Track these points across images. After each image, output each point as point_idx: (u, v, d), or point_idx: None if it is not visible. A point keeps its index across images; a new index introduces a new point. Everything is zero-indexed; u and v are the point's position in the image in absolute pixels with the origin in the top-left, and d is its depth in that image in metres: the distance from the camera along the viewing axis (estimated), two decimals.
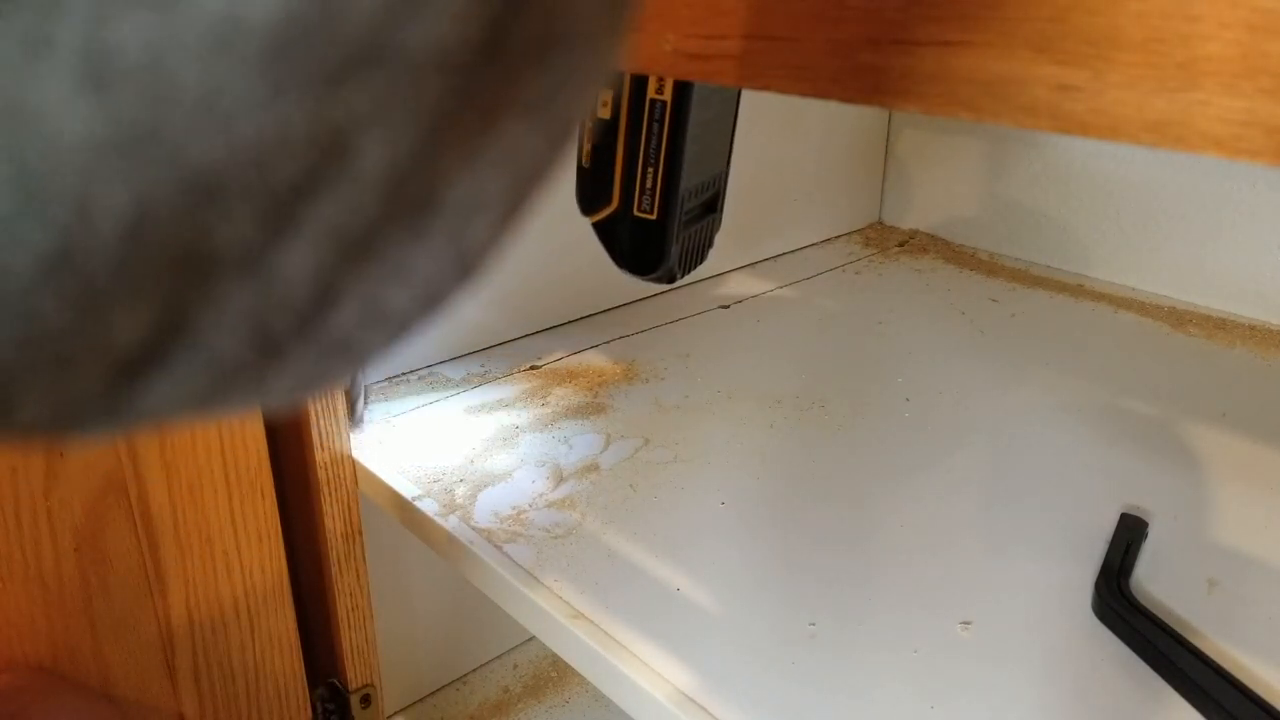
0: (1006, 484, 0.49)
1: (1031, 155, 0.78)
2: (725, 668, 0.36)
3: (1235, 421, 0.54)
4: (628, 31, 0.14)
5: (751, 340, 0.65)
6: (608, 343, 0.64)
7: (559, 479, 0.48)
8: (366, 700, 0.57)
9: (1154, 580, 0.41)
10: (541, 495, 0.47)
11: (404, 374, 0.59)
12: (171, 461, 0.45)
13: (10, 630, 0.42)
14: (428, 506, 0.46)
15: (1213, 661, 0.35)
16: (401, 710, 0.65)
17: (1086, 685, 0.36)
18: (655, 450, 0.51)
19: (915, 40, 0.20)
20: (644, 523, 0.45)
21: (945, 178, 0.85)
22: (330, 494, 0.51)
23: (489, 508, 0.46)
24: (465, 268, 0.14)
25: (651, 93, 0.40)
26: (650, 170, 0.41)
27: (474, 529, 0.44)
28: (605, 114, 0.41)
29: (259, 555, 0.50)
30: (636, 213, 0.42)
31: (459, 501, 0.46)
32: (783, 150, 0.78)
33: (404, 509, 0.47)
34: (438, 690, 0.67)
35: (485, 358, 0.61)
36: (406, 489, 0.47)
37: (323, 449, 0.49)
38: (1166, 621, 0.38)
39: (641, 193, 0.42)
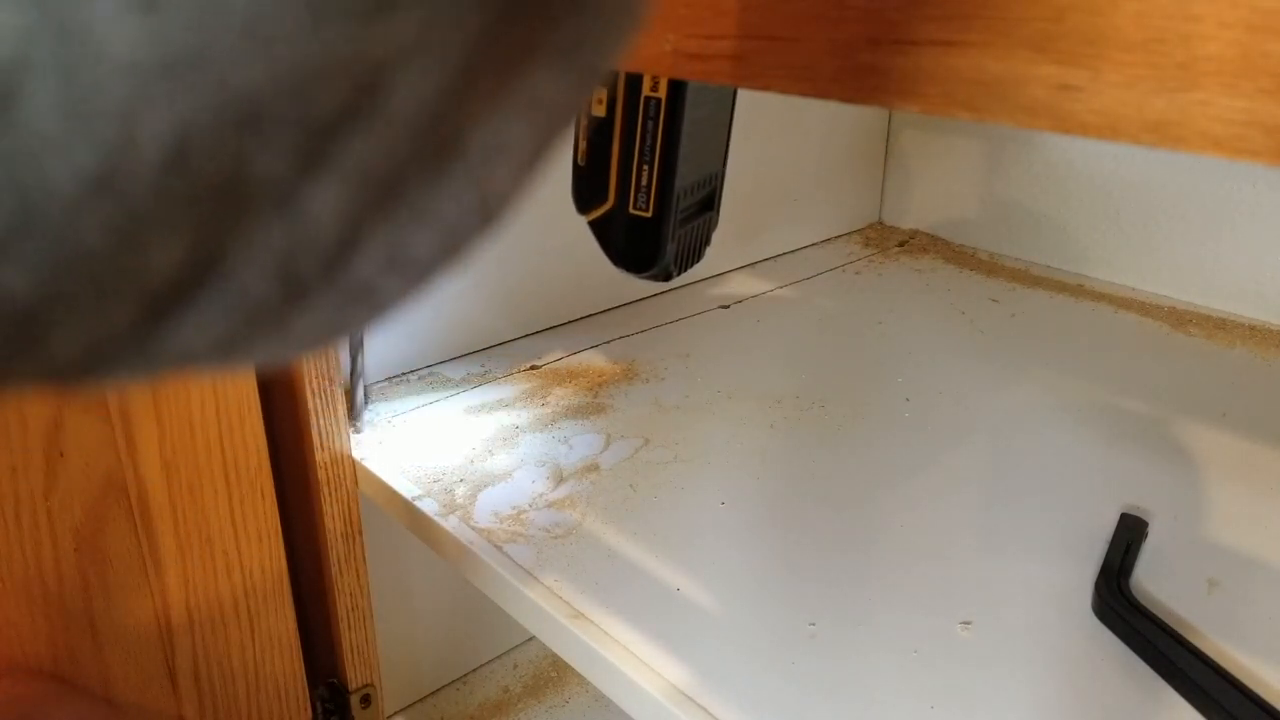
0: (1006, 484, 0.49)
1: (1031, 155, 0.78)
2: (725, 668, 0.36)
3: (1235, 421, 0.54)
4: None
5: (751, 340, 0.65)
6: (608, 343, 0.64)
7: (559, 479, 0.48)
8: (366, 700, 0.57)
9: (1154, 580, 0.41)
10: (541, 495, 0.47)
11: (404, 374, 0.59)
12: (171, 461, 0.45)
13: (10, 631, 0.42)
14: (428, 506, 0.46)
15: (1213, 661, 0.35)
16: (401, 710, 0.65)
17: (1086, 685, 0.36)
18: (655, 450, 0.51)
19: (915, 40, 0.20)
20: (644, 523, 0.45)
21: (945, 178, 0.85)
22: (330, 494, 0.51)
23: (489, 508, 0.46)
24: (486, 214, 0.14)
25: (646, 90, 0.40)
26: (645, 168, 0.41)
27: (474, 529, 0.44)
28: (600, 112, 0.41)
29: (259, 555, 0.50)
30: (632, 210, 0.42)
31: (459, 501, 0.46)
32: (783, 150, 0.78)
33: (404, 509, 0.47)
34: (438, 690, 0.67)
35: (485, 358, 0.61)
36: (406, 489, 0.47)
37: (323, 449, 0.49)
38: (1166, 621, 0.38)
39: (637, 190, 0.42)
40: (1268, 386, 0.59)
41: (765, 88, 0.23)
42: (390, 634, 0.61)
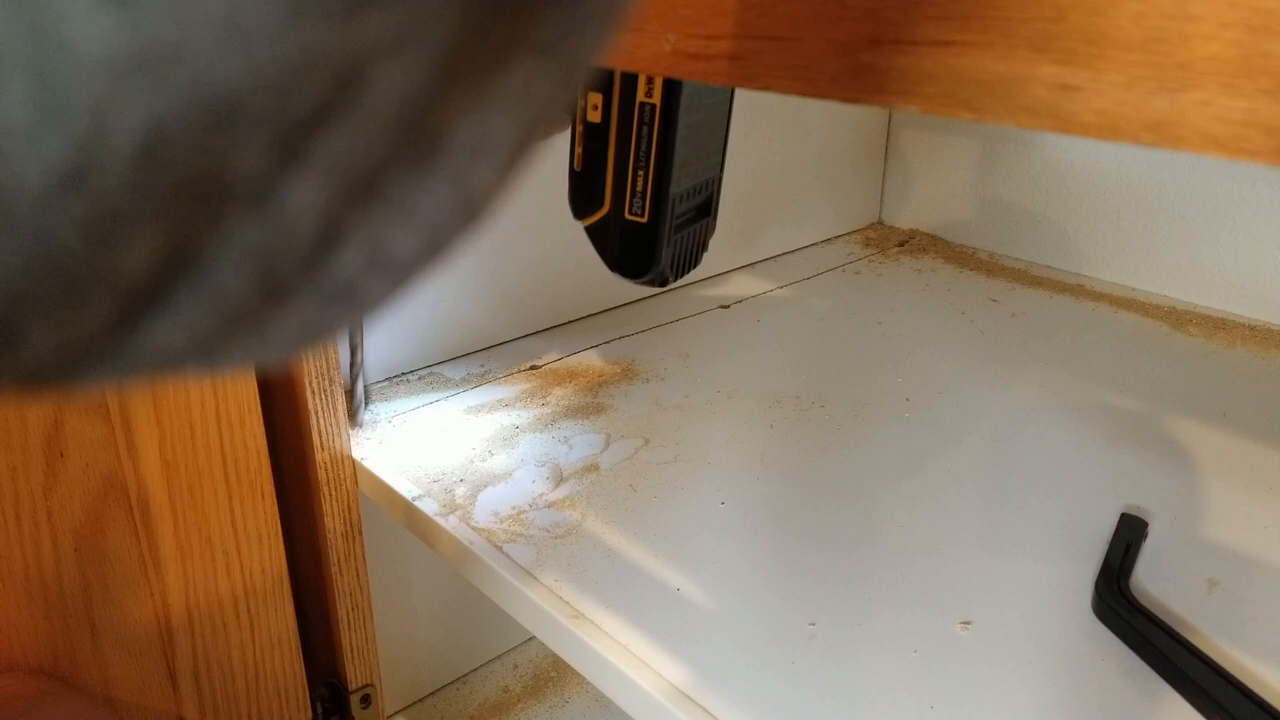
0: (1006, 484, 0.49)
1: (1031, 155, 0.78)
2: (725, 667, 0.36)
3: (1235, 421, 0.54)
4: None
5: (751, 340, 0.65)
6: (607, 343, 0.64)
7: (559, 479, 0.48)
8: (366, 700, 0.57)
9: (1154, 580, 0.41)
10: (541, 495, 0.47)
11: (404, 374, 0.59)
12: (171, 461, 0.45)
13: (10, 630, 0.42)
14: (428, 506, 0.46)
15: (1213, 661, 0.35)
16: (401, 710, 0.65)
17: (1086, 685, 0.36)
18: (655, 450, 0.51)
19: (915, 40, 0.20)
20: (644, 523, 0.45)
21: (945, 178, 0.85)
22: (330, 494, 0.51)
23: (489, 508, 0.46)
24: (469, 212, 0.14)
25: (641, 96, 0.40)
26: (640, 173, 0.41)
27: (474, 529, 0.44)
28: (596, 118, 0.42)
29: (259, 555, 0.50)
30: (628, 216, 0.42)
31: (459, 501, 0.46)
32: (783, 150, 0.78)
33: (404, 509, 0.47)
34: (438, 690, 0.67)
35: (485, 358, 0.61)
36: (406, 489, 0.47)
37: (323, 449, 0.49)
38: (1166, 621, 0.38)
39: (632, 196, 0.42)
40: (1268, 386, 0.59)
41: (765, 88, 0.23)
42: (390, 634, 0.61)
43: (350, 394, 0.52)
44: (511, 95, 0.13)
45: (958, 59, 0.19)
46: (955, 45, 0.19)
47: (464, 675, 0.68)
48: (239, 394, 0.47)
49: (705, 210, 0.46)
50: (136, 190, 0.10)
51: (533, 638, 0.64)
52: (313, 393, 0.48)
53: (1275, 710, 0.34)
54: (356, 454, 0.51)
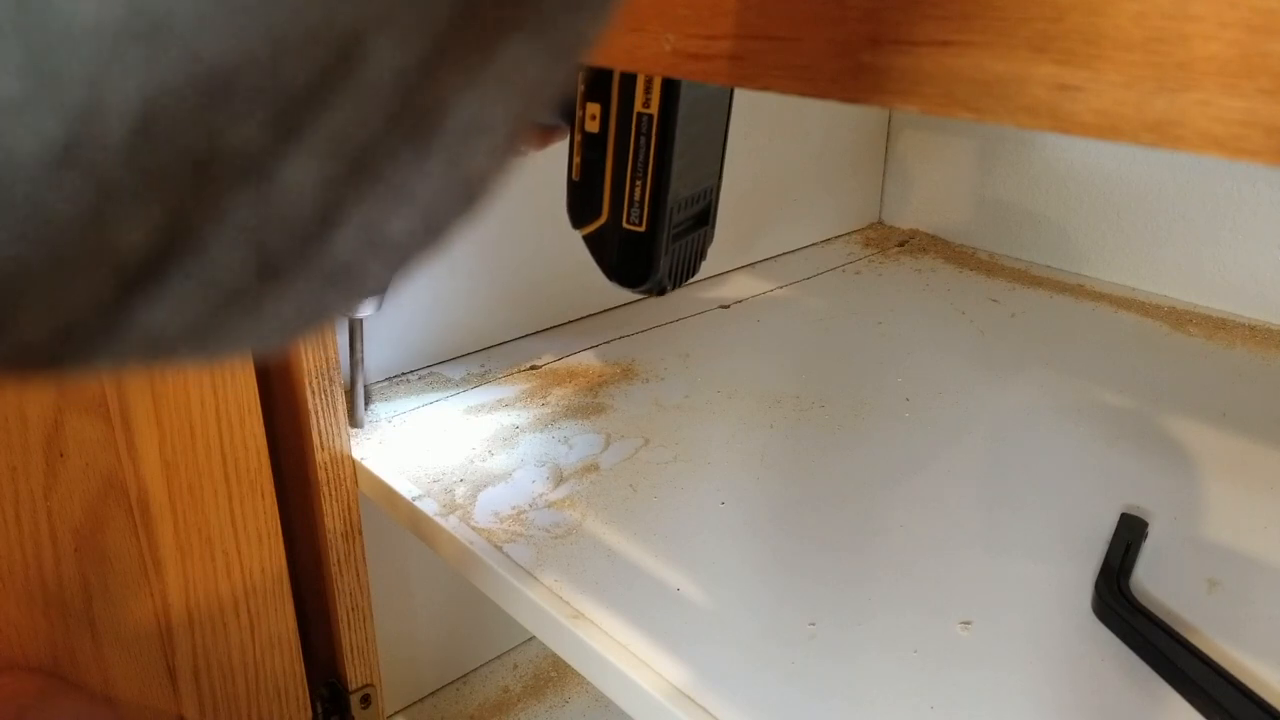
0: (1006, 484, 0.49)
1: (1031, 155, 0.78)
2: (725, 667, 0.36)
3: (1235, 421, 0.54)
4: None
5: (751, 340, 0.65)
6: (608, 343, 0.64)
7: (559, 479, 0.48)
8: (366, 700, 0.57)
9: (1154, 580, 0.41)
10: (541, 495, 0.47)
11: (404, 374, 0.59)
12: (171, 461, 0.45)
13: (10, 630, 0.42)
14: (428, 506, 0.46)
15: (1213, 661, 0.35)
16: (401, 710, 0.65)
17: (1086, 685, 0.36)
18: (655, 450, 0.51)
19: (915, 40, 0.20)
20: (644, 523, 0.45)
21: (945, 178, 0.85)
22: (330, 494, 0.51)
23: (489, 508, 0.46)
24: (465, 194, 0.14)
25: (639, 106, 0.40)
26: (638, 183, 0.42)
27: (474, 529, 0.44)
28: (594, 128, 0.42)
29: (259, 555, 0.50)
30: (625, 225, 0.43)
31: (459, 501, 0.46)
32: (783, 150, 0.78)
33: (404, 509, 0.47)
34: (438, 690, 0.67)
35: (485, 358, 0.61)
36: (406, 489, 0.47)
37: (323, 449, 0.49)
38: (1166, 621, 0.38)
39: (630, 205, 0.42)
40: (1268, 386, 0.59)
41: (765, 88, 0.23)
42: (390, 634, 0.61)
43: (350, 394, 0.52)
44: (506, 74, 0.12)
45: (957, 59, 0.19)
46: (955, 45, 0.19)
47: (464, 675, 0.68)
48: (239, 394, 0.47)
49: (703, 219, 0.46)
50: (132, 165, 0.10)
51: (533, 638, 0.64)
52: (313, 393, 0.48)
53: (1275, 710, 0.34)
54: (356, 454, 0.51)
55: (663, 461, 0.50)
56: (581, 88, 0.42)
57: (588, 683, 0.47)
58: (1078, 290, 0.74)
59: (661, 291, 0.45)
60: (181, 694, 0.49)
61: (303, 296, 0.13)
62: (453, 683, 0.68)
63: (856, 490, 0.48)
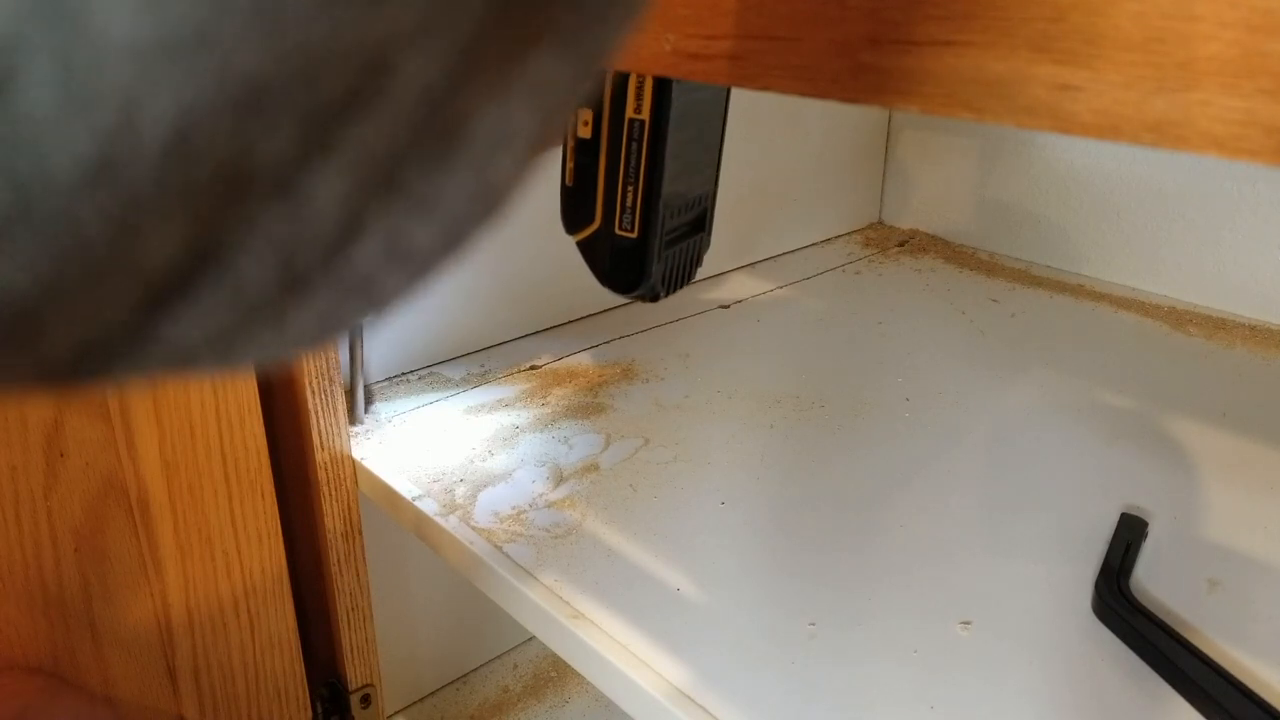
0: (1006, 484, 0.49)
1: (1032, 155, 0.78)
2: (725, 667, 0.36)
3: (1235, 421, 0.54)
4: None
5: (751, 340, 0.65)
6: (607, 343, 0.64)
7: (559, 479, 0.48)
8: (366, 700, 0.57)
9: (1154, 580, 0.41)
10: (541, 495, 0.47)
11: (404, 374, 0.59)
12: (171, 461, 0.45)
13: (10, 630, 0.42)
14: (428, 506, 0.46)
15: (1213, 661, 0.35)
16: (401, 710, 0.65)
17: (1086, 685, 0.36)
18: (655, 450, 0.51)
19: (915, 40, 0.20)
20: (644, 523, 0.45)
21: (945, 178, 0.85)
22: (330, 494, 0.51)
23: (489, 508, 0.46)
24: (488, 204, 0.14)
25: (630, 112, 0.40)
26: (630, 189, 0.41)
27: (474, 529, 0.44)
28: (586, 134, 0.42)
29: (259, 555, 0.50)
30: (618, 231, 0.42)
31: (459, 501, 0.46)
32: (783, 150, 0.78)
33: (404, 509, 0.47)
34: (438, 690, 0.67)
35: (485, 358, 0.61)
36: (406, 489, 0.47)
37: (323, 449, 0.49)
38: (1166, 621, 0.38)
39: (622, 212, 0.42)
40: (1268, 386, 0.59)
41: (765, 88, 0.23)
42: (390, 634, 0.61)
43: (350, 394, 0.52)
44: (532, 86, 0.13)
45: (958, 59, 0.19)
46: (955, 45, 0.19)
47: (464, 675, 0.68)
48: (239, 394, 0.47)
49: (699, 225, 0.46)
50: (164, 181, 0.10)
51: (533, 638, 0.64)
52: (313, 393, 0.48)
53: (1275, 710, 0.34)
54: (356, 454, 0.51)
55: (663, 461, 0.50)
56: None
57: (588, 683, 0.47)
58: (1078, 290, 0.74)
59: (655, 298, 0.45)
60: (181, 694, 0.49)
61: (324, 307, 0.13)
62: (453, 683, 0.68)
63: (856, 490, 0.48)
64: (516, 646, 0.71)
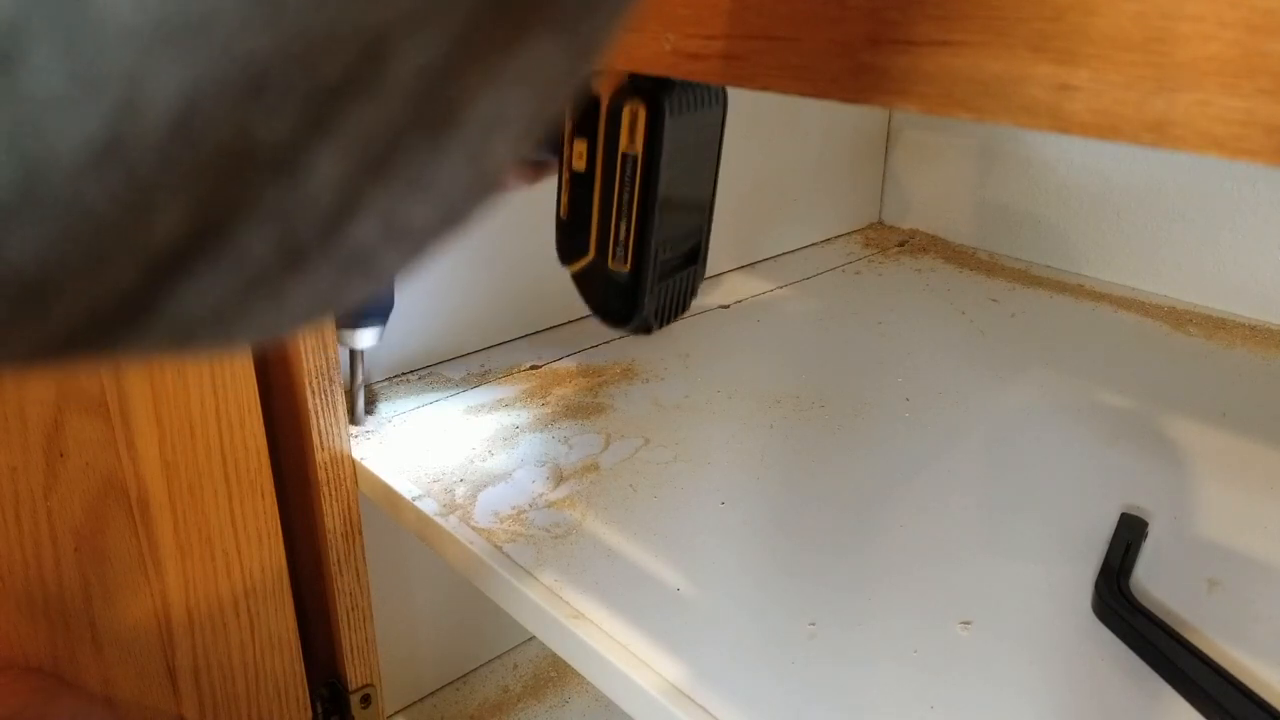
0: (1006, 484, 0.49)
1: (1031, 155, 0.78)
2: (725, 667, 0.36)
3: (1235, 421, 0.54)
4: None
5: (751, 340, 0.65)
6: (607, 343, 0.64)
7: (559, 479, 0.48)
8: (366, 700, 0.57)
9: (1154, 580, 0.41)
10: (541, 495, 0.47)
11: (404, 374, 0.59)
12: (171, 461, 0.45)
13: (10, 630, 0.42)
14: (428, 506, 0.46)
15: (1213, 661, 0.35)
16: (401, 710, 0.65)
17: (1086, 685, 0.36)
18: (655, 450, 0.51)
19: (915, 40, 0.20)
20: (644, 523, 0.45)
21: (945, 178, 0.85)
22: (330, 494, 0.51)
23: (489, 508, 0.46)
24: (483, 186, 0.14)
25: (623, 147, 0.40)
26: (623, 224, 0.41)
27: (474, 529, 0.44)
28: (581, 166, 0.42)
29: (259, 555, 0.50)
30: (611, 265, 0.42)
31: (459, 501, 0.46)
32: (783, 150, 0.78)
33: (404, 509, 0.47)
34: (438, 690, 0.67)
35: (485, 358, 0.61)
36: (406, 489, 0.47)
37: (323, 449, 0.49)
38: (1166, 621, 0.38)
39: (615, 245, 0.42)
40: (1268, 386, 0.59)
41: (764, 88, 0.23)
42: (390, 634, 0.61)
43: (350, 394, 0.52)
44: (527, 71, 0.13)
45: (956, 59, 0.19)
46: (954, 45, 0.19)
47: (464, 675, 0.68)
48: (239, 394, 0.47)
49: (692, 258, 0.46)
50: (168, 160, 0.10)
51: (533, 638, 0.64)
52: (313, 393, 0.48)
53: (1275, 710, 0.34)
54: (356, 454, 0.51)
55: (663, 461, 0.50)
56: (569, 124, 0.41)
57: (588, 683, 0.47)
58: (1078, 290, 0.74)
59: (648, 331, 0.45)
60: (181, 694, 0.49)
61: (322, 283, 0.13)
62: (453, 683, 0.68)
63: (856, 490, 0.48)
64: (516, 646, 0.71)
